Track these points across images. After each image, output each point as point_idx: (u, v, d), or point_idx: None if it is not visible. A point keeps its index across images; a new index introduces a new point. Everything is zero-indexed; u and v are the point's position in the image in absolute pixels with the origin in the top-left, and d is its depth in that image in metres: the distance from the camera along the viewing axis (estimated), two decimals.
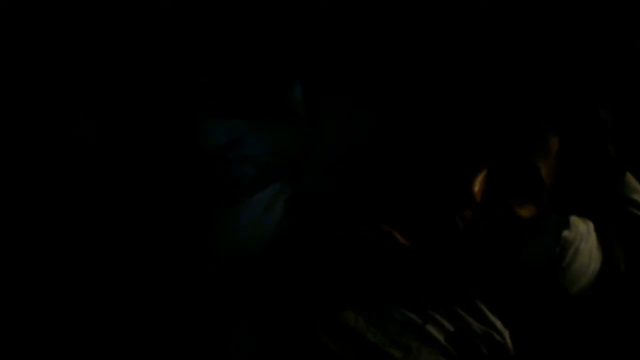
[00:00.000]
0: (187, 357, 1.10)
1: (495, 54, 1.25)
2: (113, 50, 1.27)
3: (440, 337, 1.08)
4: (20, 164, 1.20)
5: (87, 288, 1.15)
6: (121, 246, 1.17)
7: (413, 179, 1.17)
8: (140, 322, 1.13)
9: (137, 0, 1.29)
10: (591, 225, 1.15)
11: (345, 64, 1.28)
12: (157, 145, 1.25)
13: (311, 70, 1.29)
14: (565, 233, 1.11)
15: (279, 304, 1.09)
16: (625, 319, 1.12)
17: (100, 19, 1.28)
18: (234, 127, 1.26)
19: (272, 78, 1.29)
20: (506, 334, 1.10)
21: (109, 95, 1.26)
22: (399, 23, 1.28)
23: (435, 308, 1.10)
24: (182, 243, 1.17)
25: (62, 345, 1.12)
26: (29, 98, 1.23)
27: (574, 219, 1.13)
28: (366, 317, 1.07)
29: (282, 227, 1.17)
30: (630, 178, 1.21)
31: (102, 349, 1.12)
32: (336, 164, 1.21)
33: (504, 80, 1.25)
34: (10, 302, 1.14)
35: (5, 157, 1.20)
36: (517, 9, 1.27)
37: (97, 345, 1.12)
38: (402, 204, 1.16)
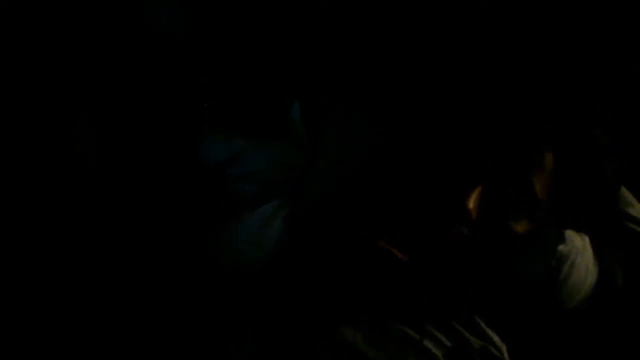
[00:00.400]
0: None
1: (494, 66, 1.25)
2: (116, 55, 1.27)
3: (438, 352, 1.08)
4: (20, 166, 1.19)
5: (86, 298, 1.14)
6: (121, 258, 1.16)
7: (410, 195, 1.17)
8: (141, 326, 1.12)
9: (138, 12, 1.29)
10: (587, 240, 1.15)
11: (346, 77, 1.28)
12: (157, 161, 1.24)
13: (311, 86, 1.28)
14: (561, 247, 1.12)
15: (278, 321, 1.09)
16: (623, 333, 1.13)
17: (103, 23, 1.27)
18: (234, 143, 1.26)
19: (271, 94, 1.29)
20: (504, 348, 1.11)
21: (109, 99, 1.25)
22: (399, 26, 1.28)
23: (433, 324, 1.10)
24: (183, 258, 1.17)
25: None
26: (29, 98, 1.22)
27: (569, 234, 1.14)
28: (365, 333, 1.07)
29: (283, 243, 1.17)
30: (625, 193, 1.21)
31: (102, 349, 1.11)
32: (336, 180, 1.21)
33: (501, 96, 1.25)
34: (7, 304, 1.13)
35: (4, 158, 1.19)
36: (517, 11, 1.27)
37: (97, 345, 1.11)
38: (399, 221, 1.15)
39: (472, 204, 1.13)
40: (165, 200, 1.21)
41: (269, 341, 1.08)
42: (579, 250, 1.13)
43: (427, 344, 1.08)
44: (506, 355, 1.10)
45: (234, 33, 1.29)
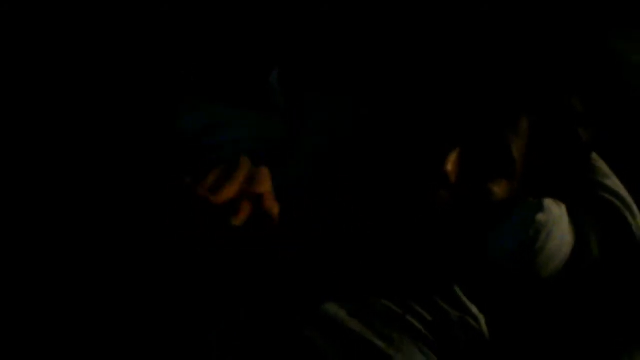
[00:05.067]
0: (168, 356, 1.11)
1: (477, 44, 1.24)
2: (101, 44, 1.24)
3: (420, 326, 1.10)
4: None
5: (66, 284, 1.14)
6: (98, 239, 1.16)
7: (390, 163, 1.17)
8: (125, 319, 1.13)
9: None
10: (564, 208, 1.17)
11: (333, 56, 1.26)
12: (133, 132, 1.23)
13: (294, 59, 1.26)
14: (539, 216, 1.13)
15: (260, 299, 1.10)
16: (596, 301, 1.16)
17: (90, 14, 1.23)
18: (211, 112, 1.24)
19: (253, 64, 1.26)
20: (481, 319, 1.14)
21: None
22: (398, 22, 1.26)
23: (414, 298, 1.12)
24: (161, 235, 1.16)
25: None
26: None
27: (548, 202, 1.15)
28: (349, 309, 1.09)
29: None
30: (601, 164, 1.23)
31: (82, 349, 1.12)
32: (322, 155, 1.21)
33: (478, 63, 1.25)
34: None
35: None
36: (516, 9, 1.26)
37: (76, 345, 1.12)
38: (377, 188, 1.16)
39: (450, 166, 1.13)
40: (142, 175, 1.20)
41: (251, 318, 1.09)
42: (556, 220, 1.14)
43: (410, 318, 1.10)
44: (484, 325, 1.13)
45: (218, 16, 1.26)
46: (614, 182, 1.21)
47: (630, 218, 1.19)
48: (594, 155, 1.24)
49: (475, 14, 1.27)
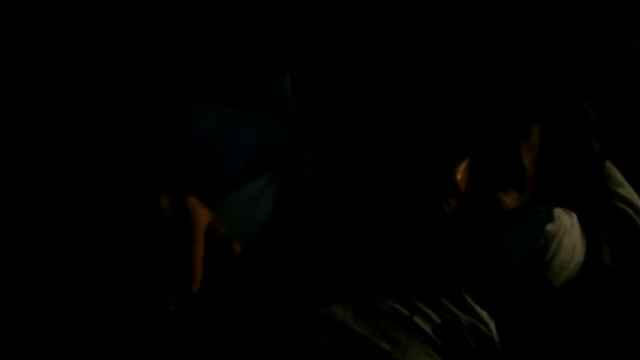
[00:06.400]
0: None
1: (486, 50, 1.24)
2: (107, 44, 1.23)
3: (427, 329, 1.08)
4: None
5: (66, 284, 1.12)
6: (103, 241, 1.14)
7: (397, 168, 1.16)
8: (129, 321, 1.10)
9: None
10: (575, 218, 1.15)
11: (337, 59, 1.26)
12: (143, 136, 1.22)
13: (301, 63, 1.26)
14: (549, 226, 1.11)
15: (265, 301, 1.07)
16: (609, 310, 1.14)
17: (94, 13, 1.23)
18: (222, 117, 1.23)
19: (262, 69, 1.26)
20: (492, 325, 1.11)
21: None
22: (399, 23, 1.26)
23: (422, 300, 1.09)
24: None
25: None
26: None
27: (558, 212, 1.14)
28: (354, 310, 1.06)
29: (272, 220, 1.15)
30: (615, 173, 1.22)
31: (82, 349, 1.09)
32: (327, 157, 1.20)
33: (488, 70, 1.24)
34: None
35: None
36: (516, 9, 1.26)
37: (75, 345, 1.09)
38: (385, 194, 1.15)
39: (459, 175, 1.12)
40: (151, 177, 1.18)
41: (251, 319, 1.06)
42: (567, 229, 1.12)
43: (417, 320, 1.07)
44: (494, 331, 1.11)
45: (227, 20, 1.26)
46: (627, 191, 1.20)
47: None
48: (608, 164, 1.22)
49: (475, 13, 1.28)
